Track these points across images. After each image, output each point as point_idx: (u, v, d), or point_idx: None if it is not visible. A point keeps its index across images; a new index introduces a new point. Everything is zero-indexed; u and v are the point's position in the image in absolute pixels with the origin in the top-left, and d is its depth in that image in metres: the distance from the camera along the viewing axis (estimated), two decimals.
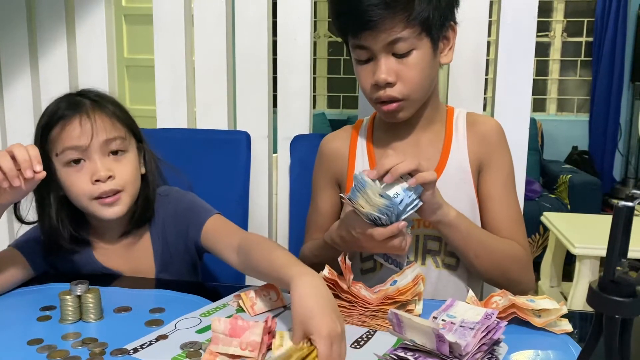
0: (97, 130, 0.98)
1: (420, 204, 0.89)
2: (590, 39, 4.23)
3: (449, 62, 1.05)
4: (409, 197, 0.87)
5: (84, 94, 1.04)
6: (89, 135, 0.97)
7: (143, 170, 1.08)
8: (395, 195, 0.85)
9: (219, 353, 0.72)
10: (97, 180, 0.97)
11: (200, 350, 0.75)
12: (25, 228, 1.10)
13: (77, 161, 0.98)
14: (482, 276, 1.05)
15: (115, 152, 1.00)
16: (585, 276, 2.37)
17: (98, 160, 0.98)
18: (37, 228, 1.06)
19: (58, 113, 0.99)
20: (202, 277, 1.20)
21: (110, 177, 0.98)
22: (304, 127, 1.51)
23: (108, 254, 1.08)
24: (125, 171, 1.01)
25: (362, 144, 1.13)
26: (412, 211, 0.88)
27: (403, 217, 0.87)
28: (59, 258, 1.07)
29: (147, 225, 1.10)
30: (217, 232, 1.05)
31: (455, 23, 1.04)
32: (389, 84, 0.98)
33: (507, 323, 0.76)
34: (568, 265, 2.81)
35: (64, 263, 1.08)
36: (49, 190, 1.01)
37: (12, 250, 1.04)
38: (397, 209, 0.86)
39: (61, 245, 1.03)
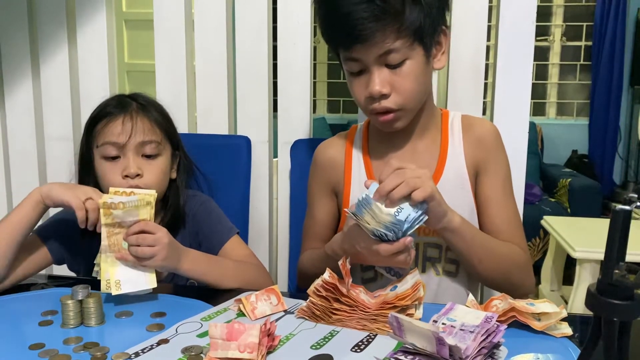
0: (136, 131, 1.05)
1: (426, 217, 0.88)
2: (590, 43, 4.25)
3: (442, 66, 1.04)
4: (416, 211, 0.86)
5: (134, 97, 1.12)
6: (128, 134, 1.05)
7: (174, 175, 1.15)
8: (399, 211, 0.85)
9: (219, 358, 0.72)
10: (126, 176, 1.04)
11: (202, 354, 0.75)
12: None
13: (114, 158, 1.06)
14: (484, 280, 1.05)
15: (148, 156, 1.07)
16: (586, 280, 2.36)
17: (131, 158, 1.05)
18: (61, 212, 1.11)
19: (106, 109, 1.08)
20: None
21: (138, 175, 1.05)
22: (304, 131, 1.51)
23: None
24: (153, 173, 1.07)
25: (357, 152, 1.12)
26: (418, 225, 0.87)
27: (409, 233, 0.86)
28: (83, 247, 1.10)
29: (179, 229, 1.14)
30: (232, 255, 1.11)
31: (447, 27, 1.02)
32: (384, 96, 0.97)
33: (507, 326, 0.76)
34: (568, 268, 2.81)
35: (87, 254, 1.09)
36: (89, 178, 1.10)
37: (33, 237, 1.07)
38: (403, 225, 0.85)
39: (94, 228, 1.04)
